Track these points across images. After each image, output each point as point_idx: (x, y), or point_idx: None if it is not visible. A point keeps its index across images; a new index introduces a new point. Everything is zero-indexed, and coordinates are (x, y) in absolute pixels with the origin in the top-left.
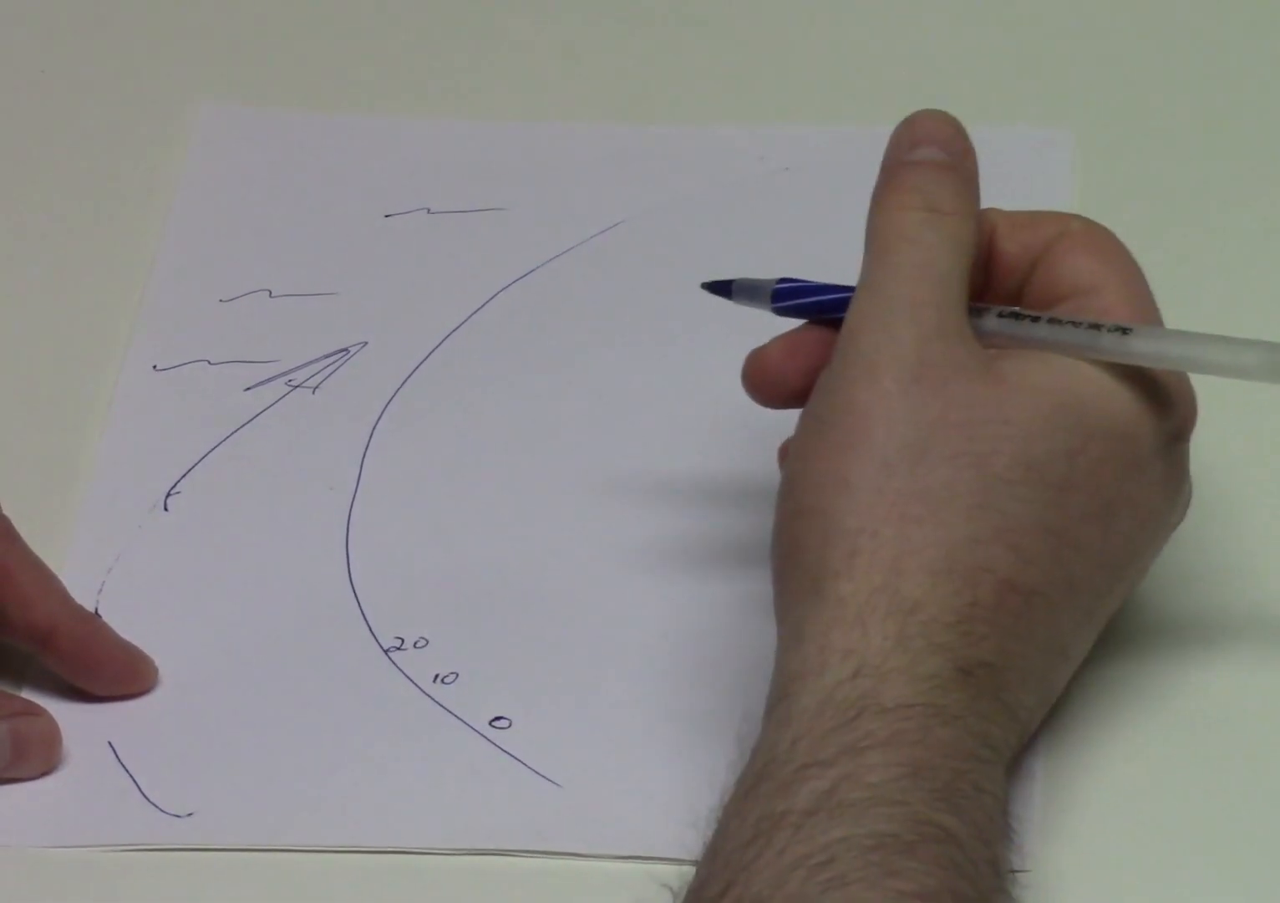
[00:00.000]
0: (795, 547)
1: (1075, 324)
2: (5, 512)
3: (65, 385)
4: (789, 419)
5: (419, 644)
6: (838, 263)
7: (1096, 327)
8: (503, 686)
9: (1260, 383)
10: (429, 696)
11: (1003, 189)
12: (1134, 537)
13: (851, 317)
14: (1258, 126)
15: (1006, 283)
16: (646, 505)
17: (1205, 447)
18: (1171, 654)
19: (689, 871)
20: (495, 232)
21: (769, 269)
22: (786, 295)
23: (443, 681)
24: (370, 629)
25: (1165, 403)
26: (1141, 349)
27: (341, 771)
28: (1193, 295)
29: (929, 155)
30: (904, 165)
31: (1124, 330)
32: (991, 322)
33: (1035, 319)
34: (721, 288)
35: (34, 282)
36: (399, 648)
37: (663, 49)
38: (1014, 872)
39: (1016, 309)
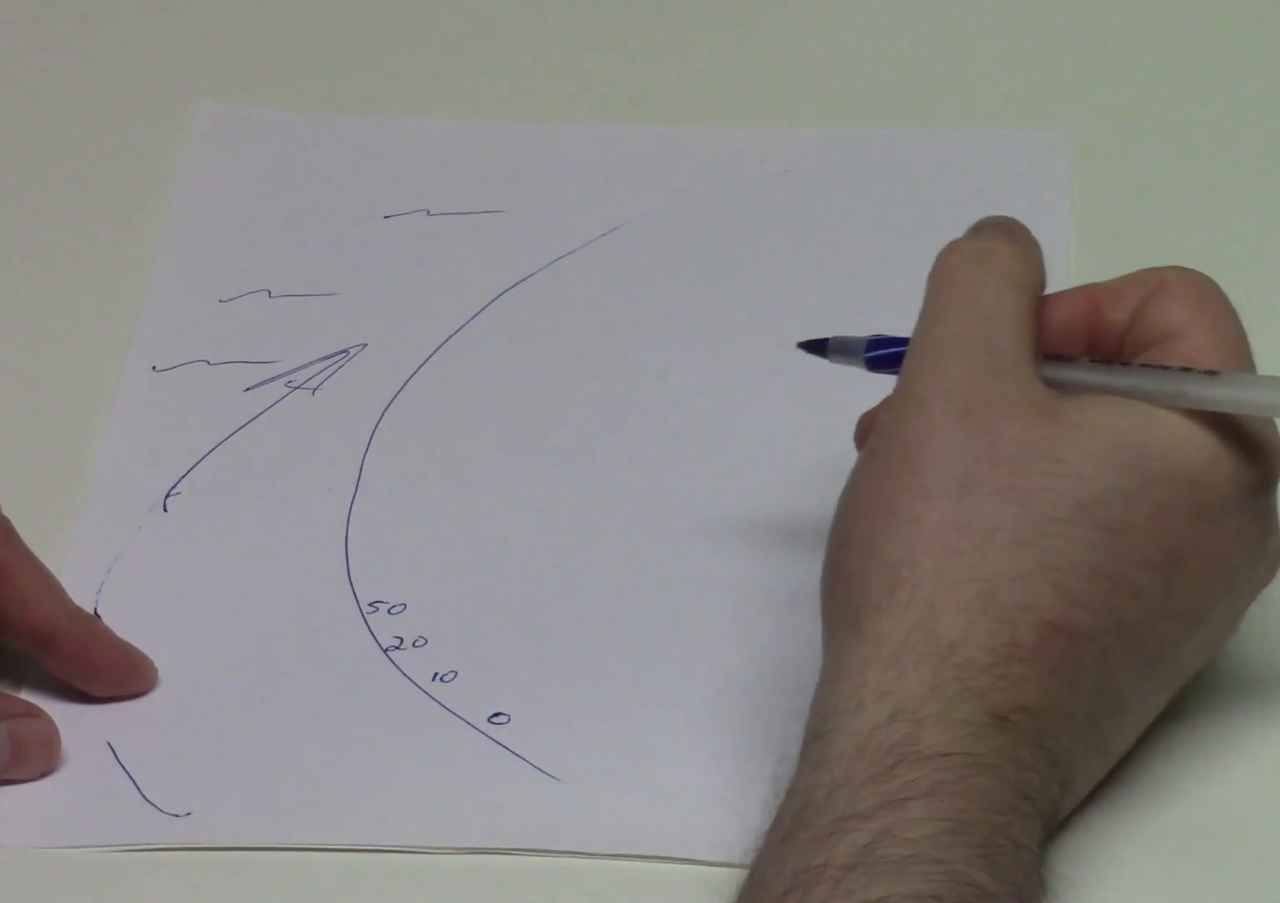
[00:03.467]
0: (838, 576)
1: (1165, 369)
2: (5, 512)
3: (65, 385)
4: (781, 418)
5: (418, 643)
6: (839, 264)
7: (1186, 370)
8: (501, 683)
9: None
10: (428, 694)
11: (1003, 190)
12: (1204, 589)
13: (907, 359)
14: (1258, 126)
15: (1121, 351)
16: (644, 506)
17: None
18: None
19: (689, 869)
20: (495, 233)
21: (769, 271)
22: (879, 349)
23: (441, 679)
24: (369, 629)
25: (1248, 452)
26: (1226, 394)
27: (340, 770)
28: None
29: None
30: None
31: (1212, 374)
32: (1082, 371)
33: (1125, 365)
34: (817, 347)
35: (34, 282)
36: (398, 647)
37: (663, 49)
38: None
39: (1108, 359)
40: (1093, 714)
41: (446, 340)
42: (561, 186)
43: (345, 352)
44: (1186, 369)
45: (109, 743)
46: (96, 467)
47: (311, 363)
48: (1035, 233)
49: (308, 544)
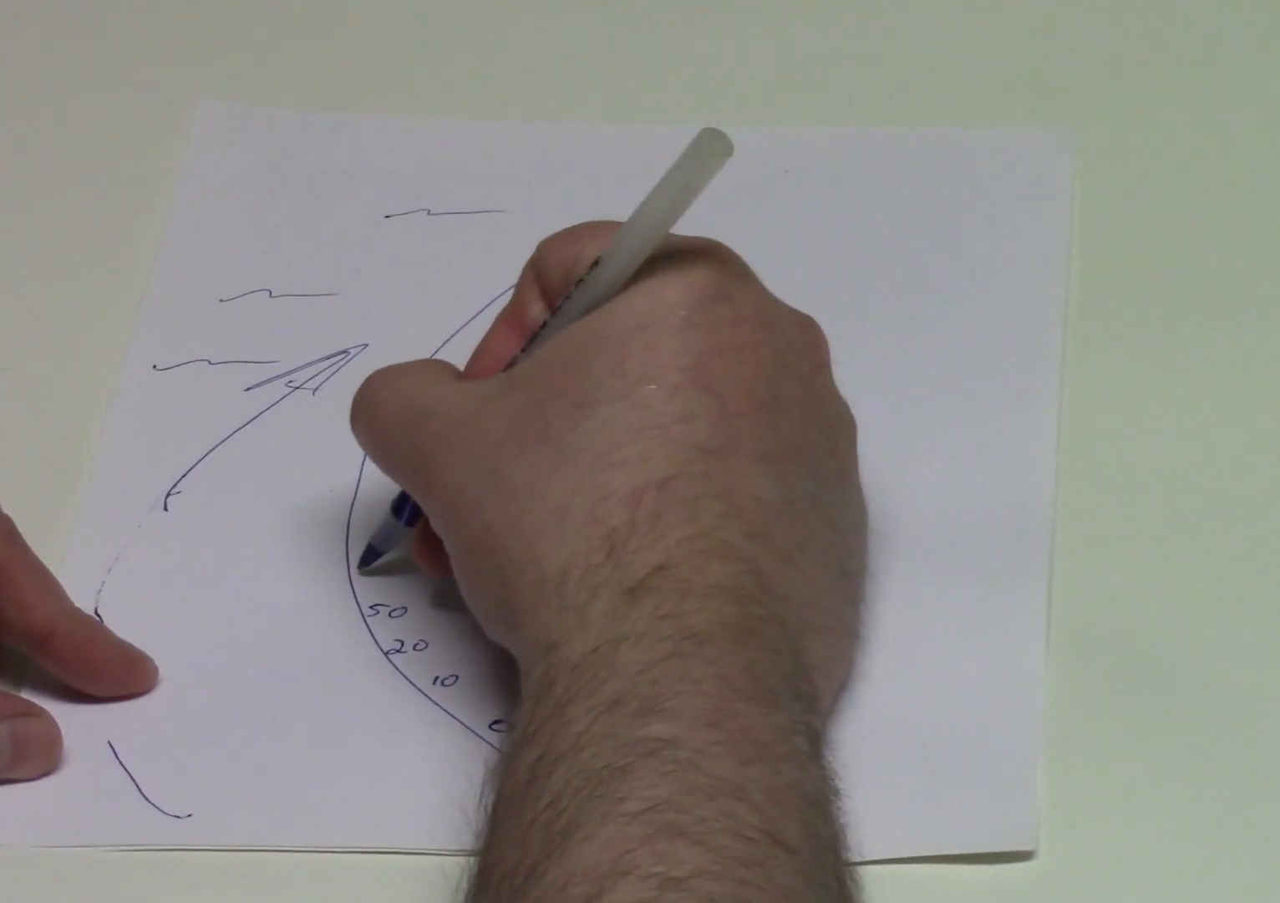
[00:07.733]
0: (474, 589)
1: (566, 298)
2: (5, 511)
3: (65, 385)
4: None
5: (419, 647)
6: (837, 264)
7: (580, 281)
8: (503, 688)
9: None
10: (429, 697)
11: (1003, 190)
12: (664, 400)
13: (411, 495)
14: (1258, 126)
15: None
16: None
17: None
18: (1175, 643)
19: None
20: (496, 233)
21: (769, 270)
22: (403, 508)
23: (443, 683)
24: (370, 632)
25: (678, 274)
26: (610, 262)
27: (341, 772)
28: (1192, 295)
29: None
30: None
31: (595, 263)
32: (522, 356)
33: (544, 325)
34: (371, 557)
35: (34, 281)
36: (399, 650)
37: (663, 49)
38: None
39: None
40: (757, 524)
41: (447, 340)
42: (562, 186)
43: (346, 352)
44: (580, 281)
45: (110, 743)
46: (97, 466)
47: (312, 363)
48: (1034, 233)
49: (308, 544)
